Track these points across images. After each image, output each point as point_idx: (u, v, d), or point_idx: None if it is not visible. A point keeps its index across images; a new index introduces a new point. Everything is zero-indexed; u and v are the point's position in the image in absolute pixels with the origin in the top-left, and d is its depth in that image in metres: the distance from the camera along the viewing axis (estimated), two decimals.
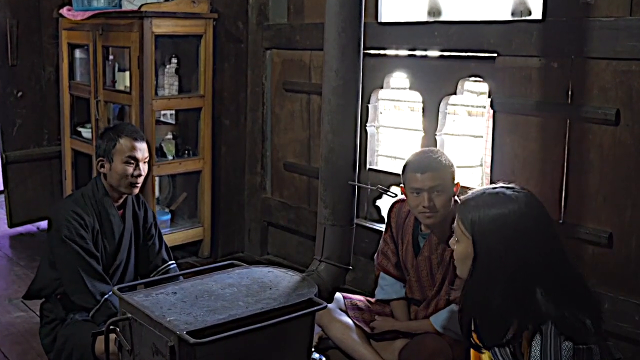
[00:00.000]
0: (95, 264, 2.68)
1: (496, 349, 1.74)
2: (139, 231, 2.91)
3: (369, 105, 3.55)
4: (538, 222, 1.67)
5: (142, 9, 3.67)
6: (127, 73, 3.88)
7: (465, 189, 2.90)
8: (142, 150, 2.76)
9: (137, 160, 2.73)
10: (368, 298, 2.84)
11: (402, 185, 2.59)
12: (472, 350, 1.92)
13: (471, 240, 1.68)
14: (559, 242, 1.71)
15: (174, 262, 3.01)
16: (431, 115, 3.27)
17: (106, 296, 2.63)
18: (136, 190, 2.78)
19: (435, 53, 3.21)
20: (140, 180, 2.76)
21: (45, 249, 2.86)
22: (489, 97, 3.01)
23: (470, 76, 3.14)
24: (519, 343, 1.68)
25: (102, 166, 2.75)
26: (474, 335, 1.73)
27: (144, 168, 2.77)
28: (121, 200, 2.83)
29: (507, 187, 1.72)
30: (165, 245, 3.02)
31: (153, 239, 2.95)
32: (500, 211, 1.66)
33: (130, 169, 2.72)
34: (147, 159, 2.81)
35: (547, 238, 1.67)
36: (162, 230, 3.10)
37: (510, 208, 1.66)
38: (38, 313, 2.91)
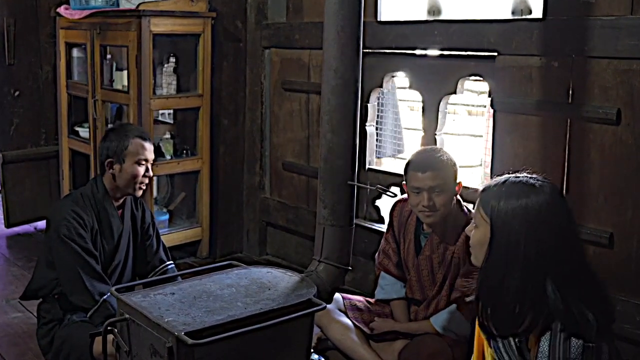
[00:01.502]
0: (95, 263, 2.67)
1: (500, 344, 1.73)
2: (137, 231, 2.91)
3: (368, 105, 3.54)
4: (561, 213, 1.67)
5: (140, 8, 3.65)
6: (125, 72, 3.87)
7: (466, 188, 2.90)
8: (150, 151, 2.80)
9: (147, 162, 2.76)
10: (367, 298, 2.83)
11: (404, 182, 2.59)
12: (475, 346, 1.92)
13: (489, 225, 1.67)
14: (577, 237, 1.71)
15: (172, 262, 3.00)
16: (431, 114, 3.26)
17: (105, 297, 2.62)
18: (141, 192, 2.80)
19: (435, 52, 3.20)
20: (147, 181, 2.79)
21: (42, 249, 2.84)
22: (489, 96, 3.00)
23: (471, 75, 3.14)
24: (526, 338, 1.67)
25: (111, 167, 2.74)
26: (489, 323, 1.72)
27: (151, 170, 2.80)
28: (121, 201, 2.82)
29: (531, 177, 1.72)
30: (163, 245, 3.01)
31: (151, 240, 2.94)
32: (524, 198, 1.66)
33: (141, 170, 2.74)
34: (153, 160, 2.83)
35: (567, 231, 1.67)
36: (160, 231, 3.09)
37: (533, 196, 1.65)
38: (35, 314, 2.90)
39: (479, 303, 1.72)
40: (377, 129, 3.82)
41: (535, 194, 1.66)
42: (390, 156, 5.18)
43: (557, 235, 1.64)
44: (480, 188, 1.78)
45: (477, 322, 1.88)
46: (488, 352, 1.85)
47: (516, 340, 1.69)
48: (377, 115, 4.85)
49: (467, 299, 1.82)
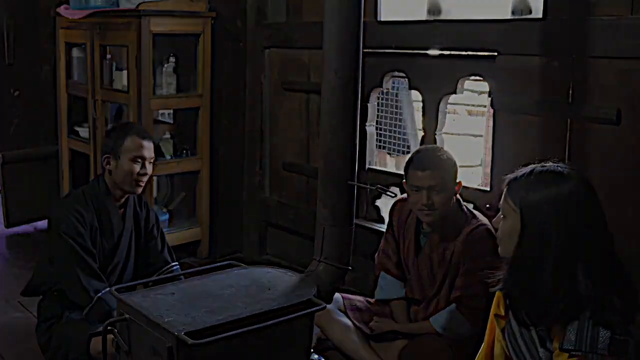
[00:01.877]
0: (92, 261, 2.67)
1: (518, 334, 1.73)
2: (140, 232, 2.90)
3: (368, 105, 3.54)
4: (590, 199, 1.69)
5: (140, 8, 3.65)
6: (125, 72, 3.86)
7: (466, 188, 2.90)
8: (149, 149, 2.78)
9: (143, 159, 2.75)
10: (367, 298, 2.83)
11: (404, 181, 2.59)
12: (486, 337, 1.92)
13: (519, 215, 1.67)
14: (605, 223, 1.72)
15: (176, 263, 2.99)
16: (431, 114, 3.25)
17: (100, 294, 2.62)
18: (139, 190, 2.79)
19: (435, 52, 3.20)
20: (145, 179, 2.77)
21: (45, 246, 2.85)
22: (489, 96, 3.00)
23: (471, 75, 3.13)
24: (548, 328, 1.68)
25: (108, 163, 2.74)
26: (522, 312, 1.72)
27: (149, 168, 2.78)
28: (123, 200, 2.82)
29: (558, 165, 1.73)
30: (168, 246, 3.01)
31: (155, 240, 2.94)
32: (553, 187, 1.67)
33: (137, 167, 2.73)
34: (153, 159, 2.82)
35: (596, 217, 1.68)
36: None
37: (562, 184, 1.67)
38: (35, 314, 2.90)
39: (510, 293, 1.72)
40: (396, 125, 3.80)
41: (564, 181, 1.67)
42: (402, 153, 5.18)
43: (588, 221, 1.66)
44: (506, 180, 1.78)
45: (492, 313, 1.88)
46: (499, 345, 1.85)
47: (538, 329, 1.69)
48: (395, 111, 4.80)
49: (492, 290, 1.83)
